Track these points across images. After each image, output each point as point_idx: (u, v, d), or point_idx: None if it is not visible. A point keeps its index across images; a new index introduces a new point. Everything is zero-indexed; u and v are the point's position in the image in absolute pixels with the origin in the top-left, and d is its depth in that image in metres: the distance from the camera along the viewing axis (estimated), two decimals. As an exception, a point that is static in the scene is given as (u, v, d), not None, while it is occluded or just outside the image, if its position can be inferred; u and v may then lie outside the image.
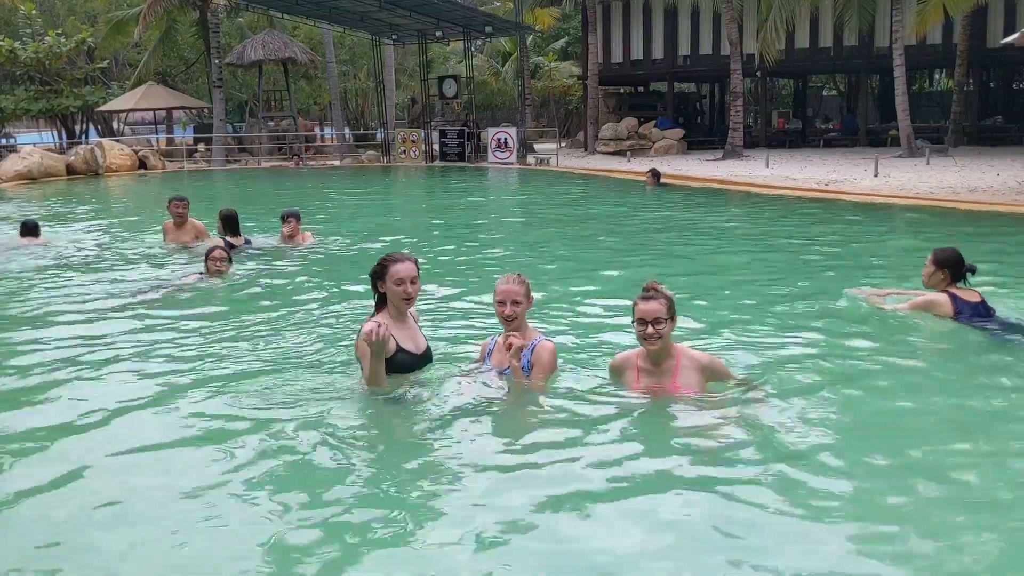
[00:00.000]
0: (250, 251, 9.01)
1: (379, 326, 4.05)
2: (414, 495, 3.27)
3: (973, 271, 5.56)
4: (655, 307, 4.02)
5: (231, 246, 8.52)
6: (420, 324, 4.77)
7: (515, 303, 4.28)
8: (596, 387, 4.36)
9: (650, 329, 4.01)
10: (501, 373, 4.36)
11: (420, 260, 4.59)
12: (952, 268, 5.49)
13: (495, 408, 4.12)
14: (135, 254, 9.44)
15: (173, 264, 8.69)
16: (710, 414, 3.95)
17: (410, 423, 4.00)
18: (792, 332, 5.60)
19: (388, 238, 11.10)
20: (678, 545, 2.91)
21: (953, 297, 5.44)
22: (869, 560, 2.78)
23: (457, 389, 4.31)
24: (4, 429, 4.05)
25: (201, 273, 7.49)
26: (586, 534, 2.97)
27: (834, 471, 3.42)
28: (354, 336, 4.55)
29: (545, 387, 4.27)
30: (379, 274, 4.39)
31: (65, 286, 7.66)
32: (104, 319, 6.30)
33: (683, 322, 4.93)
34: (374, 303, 4.49)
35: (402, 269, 4.31)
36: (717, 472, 3.41)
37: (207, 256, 7.52)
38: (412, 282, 4.34)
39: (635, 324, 4.10)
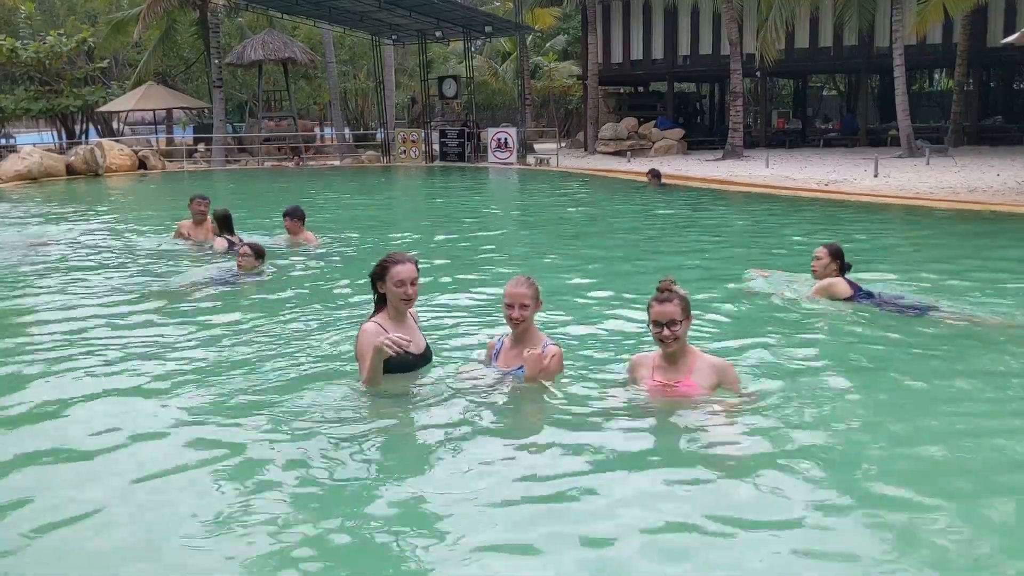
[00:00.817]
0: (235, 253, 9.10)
1: (400, 337, 4.07)
2: (418, 496, 3.28)
3: (850, 267, 6.35)
4: (670, 309, 4.04)
5: (230, 244, 8.92)
6: (422, 324, 4.77)
7: (523, 306, 4.28)
8: (603, 387, 4.37)
9: (666, 331, 4.04)
10: (508, 374, 4.37)
11: (420, 260, 4.60)
12: (841, 259, 6.27)
13: (502, 409, 4.12)
14: (150, 253, 9.49)
15: (193, 263, 8.73)
16: (716, 416, 3.95)
17: (416, 424, 4.00)
18: (788, 331, 5.64)
19: (388, 238, 11.11)
20: (684, 546, 2.91)
21: (848, 281, 6.21)
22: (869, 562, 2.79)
23: (464, 390, 4.31)
24: (4, 426, 4.06)
25: (234, 273, 7.72)
26: (591, 533, 2.97)
27: (834, 472, 3.44)
28: (352, 336, 4.55)
29: (551, 389, 4.27)
30: (379, 275, 4.38)
31: (79, 285, 7.71)
32: (127, 316, 6.35)
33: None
34: (373, 303, 4.50)
35: (403, 271, 4.31)
36: (720, 473, 3.42)
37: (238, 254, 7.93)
38: (412, 283, 4.34)
39: (650, 326, 4.12)
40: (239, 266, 7.76)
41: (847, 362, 4.98)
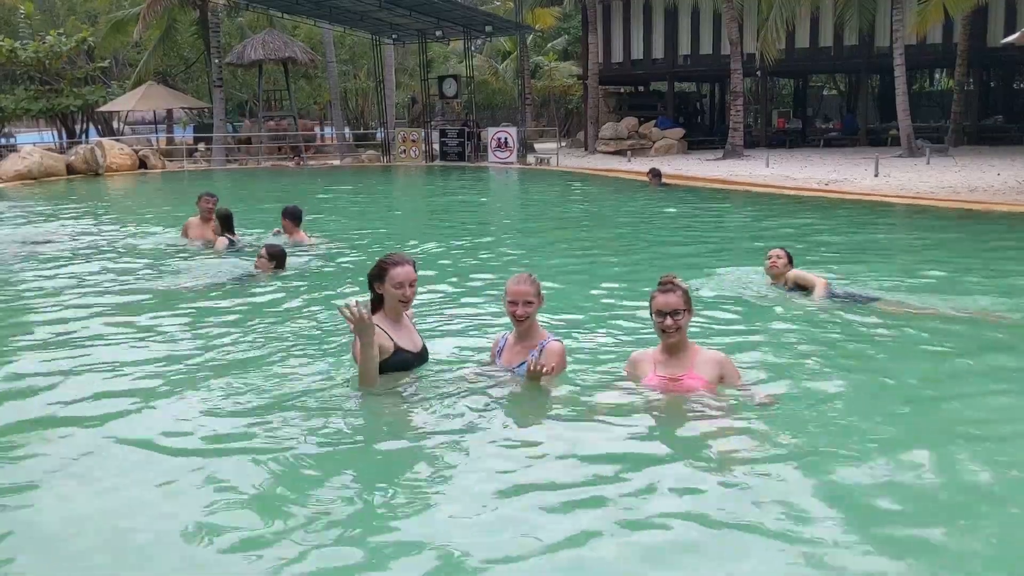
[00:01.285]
0: (234, 252, 9.21)
1: (356, 303, 4.04)
2: (415, 495, 3.27)
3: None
4: (673, 299, 4.09)
5: (230, 242, 9.20)
6: (423, 323, 4.77)
7: (527, 303, 4.29)
8: (605, 384, 4.37)
9: (668, 320, 4.07)
10: (511, 372, 4.37)
11: (420, 259, 4.60)
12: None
13: (503, 407, 4.11)
14: (154, 251, 9.52)
15: (199, 261, 8.76)
16: (720, 413, 3.94)
17: (415, 422, 3.99)
18: (789, 328, 5.64)
19: (387, 238, 11.11)
20: (687, 545, 2.90)
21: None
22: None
23: (465, 388, 4.32)
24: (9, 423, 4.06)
25: (250, 275, 7.79)
26: (591, 532, 2.95)
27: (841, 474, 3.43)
28: (348, 335, 4.54)
29: (554, 386, 4.28)
30: (378, 276, 4.38)
31: (83, 283, 7.72)
32: (132, 314, 6.35)
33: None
34: (370, 304, 4.49)
35: (401, 272, 4.32)
36: (725, 471, 3.40)
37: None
38: (411, 285, 4.36)
39: (653, 316, 4.16)
40: (256, 267, 7.85)
41: (839, 352, 5.01)
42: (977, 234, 10.72)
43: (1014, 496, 3.20)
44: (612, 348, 5.22)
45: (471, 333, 5.65)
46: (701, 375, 4.12)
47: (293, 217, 9.59)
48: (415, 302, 4.68)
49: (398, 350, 4.36)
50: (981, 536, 2.93)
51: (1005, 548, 2.85)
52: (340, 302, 4.11)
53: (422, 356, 4.56)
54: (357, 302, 4.10)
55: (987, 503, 3.16)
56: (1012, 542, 2.89)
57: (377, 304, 4.44)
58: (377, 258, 4.53)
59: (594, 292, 7.13)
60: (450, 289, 7.28)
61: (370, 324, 4.09)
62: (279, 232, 9.73)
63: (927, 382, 4.60)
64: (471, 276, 7.99)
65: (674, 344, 4.15)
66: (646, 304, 4.28)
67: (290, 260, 8.33)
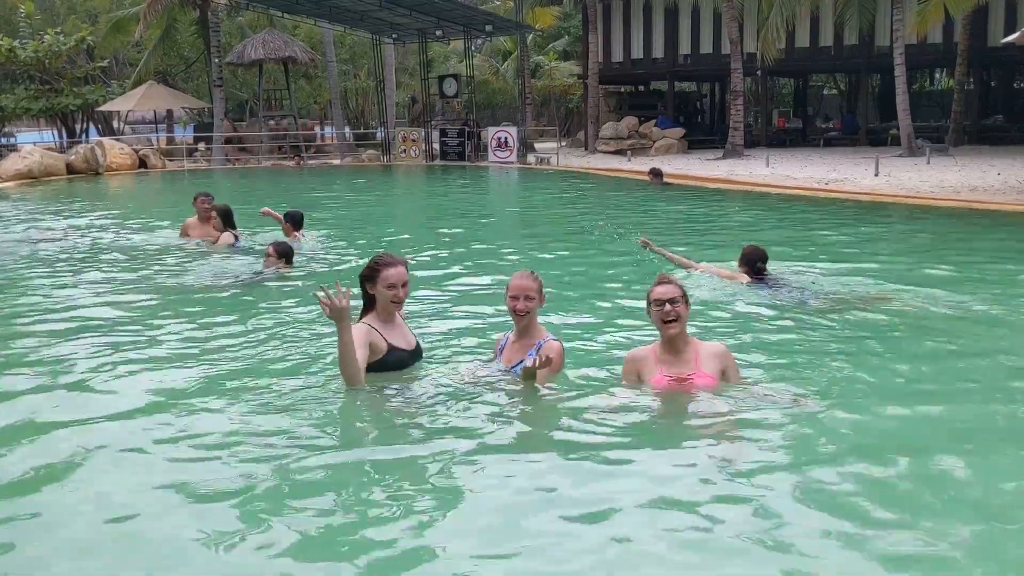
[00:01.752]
0: (239, 248, 9.26)
1: (337, 285, 4.02)
2: (413, 495, 3.27)
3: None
4: (671, 288, 4.13)
5: (235, 238, 9.36)
6: (424, 322, 4.77)
7: (528, 298, 4.29)
8: (607, 386, 4.35)
9: (667, 307, 4.07)
10: (510, 371, 4.37)
11: (420, 259, 4.59)
12: (747, 263, 6.91)
13: (502, 407, 4.10)
14: (158, 251, 9.54)
15: (202, 259, 8.79)
16: (728, 411, 3.92)
17: (413, 422, 3.98)
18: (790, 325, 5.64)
19: (387, 237, 11.10)
20: (692, 549, 2.88)
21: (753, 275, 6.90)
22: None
23: (465, 387, 4.32)
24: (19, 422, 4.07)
25: (259, 273, 7.82)
26: (591, 534, 2.94)
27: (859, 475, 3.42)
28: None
29: (553, 385, 4.27)
30: (370, 277, 4.38)
31: (88, 283, 7.75)
32: (139, 313, 6.36)
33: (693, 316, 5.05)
34: (363, 304, 4.48)
35: (393, 274, 4.31)
36: (733, 473, 3.38)
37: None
38: (403, 286, 4.36)
39: (652, 308, 4.16)
40: (265, 265, 7.89)
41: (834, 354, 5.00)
42: (977, 233, 10.71)
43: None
44: (613, 347, 5.20)
45: (470, 332, 5.64)
46: (708, 372, 4.10)
47: (294, 221, 9.65)
48: (409, 300, 4.66)
49: (392, 349, 4.36)
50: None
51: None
52: (319, 292, 4.07)
53: (416, 353, 4.57)
54: (337, 284, 4.07)
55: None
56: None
57: (369, 305, 4.44)
58: (369, 259, 4.52)
59: (594, 291, 7.13)
60: (449, 288, 7.25)
61: (346, 308, 4.04)
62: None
63: (932, 383, 4.60)
64: (470, 275, 7.97)
65: (675, 337, 4.12)
66: (646, 302, 4.27)
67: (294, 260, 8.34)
